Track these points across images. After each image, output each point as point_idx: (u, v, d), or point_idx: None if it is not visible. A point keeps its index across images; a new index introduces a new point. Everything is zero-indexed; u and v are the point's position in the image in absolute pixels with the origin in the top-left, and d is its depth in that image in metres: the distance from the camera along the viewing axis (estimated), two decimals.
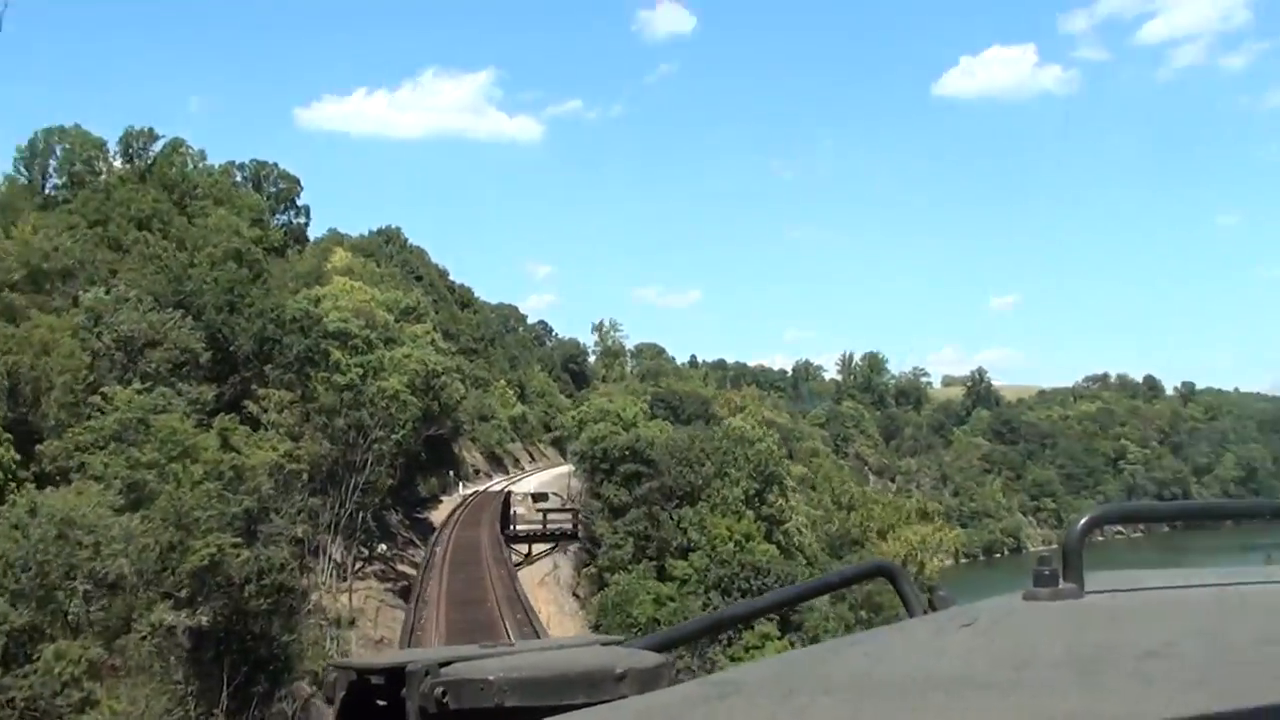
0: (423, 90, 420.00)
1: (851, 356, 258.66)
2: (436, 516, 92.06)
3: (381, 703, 2.18)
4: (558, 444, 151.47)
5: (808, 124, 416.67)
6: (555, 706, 2.00)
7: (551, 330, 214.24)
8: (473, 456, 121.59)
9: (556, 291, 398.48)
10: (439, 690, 2.03)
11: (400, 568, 77.08)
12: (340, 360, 71.75)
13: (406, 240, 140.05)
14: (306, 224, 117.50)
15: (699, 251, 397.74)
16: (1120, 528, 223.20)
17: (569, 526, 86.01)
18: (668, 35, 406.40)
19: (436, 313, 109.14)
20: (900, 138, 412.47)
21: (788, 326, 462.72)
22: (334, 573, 63.43)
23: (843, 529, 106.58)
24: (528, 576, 71.69)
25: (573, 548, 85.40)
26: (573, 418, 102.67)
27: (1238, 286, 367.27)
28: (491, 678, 2.05)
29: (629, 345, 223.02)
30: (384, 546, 77.52)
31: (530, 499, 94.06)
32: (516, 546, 78.78)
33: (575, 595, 78.97)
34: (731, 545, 73.38)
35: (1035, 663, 1.87)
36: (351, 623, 60.42)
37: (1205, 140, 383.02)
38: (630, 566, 75.70)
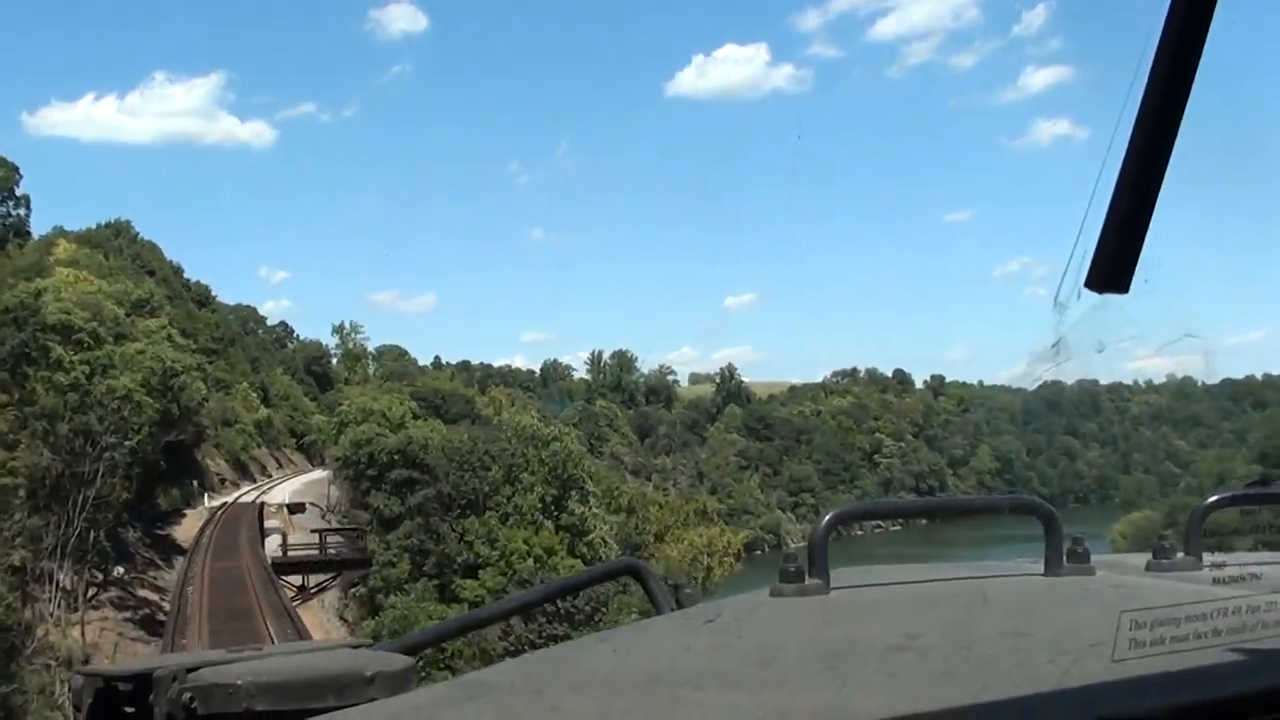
0: (152, 94, 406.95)
1: (601, 355, 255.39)
2: (181, 533, 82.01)
3: (129, 709, 2.12)
4: (304, 449, 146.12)
5: (544, 125, 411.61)
6: (305, 710, 1.98)
7: (293, 332, 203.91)
8: (217, 464, 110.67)
9: (294, 297, 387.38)
10: (186, 696, 1.99)
11: (141, 593, 68.57)
12: (63, 357, 65.03)
13: (138, 234, 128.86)
14: (27, 215, 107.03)
15: (436, 254, 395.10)
16: (880, 522, 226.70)
17: (356, 551, 73.70)
18: (400, 34, 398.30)
19: (172, 308, 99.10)
20: (635, 137, 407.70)
21: (525, 329, 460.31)
22: (63, 602, 56.02)
23: (622, 533, 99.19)
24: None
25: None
26: (331, 420, 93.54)
27: (972, 283, 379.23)
28: (239, 682, 2.00)
29: (370, 347, 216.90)
30: (121, 569, 68.04)
31: (286, 510, 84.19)
32: (288, 579, 67.14)
33: (343, 619, 70.27)
34: (531, 561, 64.95)
35: (781, 658, 2.01)
36: (86, 661, 51.48)
37: (936, 137, 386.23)
38: (407, 586, 67.61)
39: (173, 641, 43.56)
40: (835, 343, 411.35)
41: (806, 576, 2.44)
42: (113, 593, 65.24)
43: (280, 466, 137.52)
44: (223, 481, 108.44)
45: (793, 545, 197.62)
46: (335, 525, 79.23)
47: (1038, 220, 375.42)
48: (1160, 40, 1.63)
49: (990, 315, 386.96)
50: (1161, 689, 1.78)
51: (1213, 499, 2.99)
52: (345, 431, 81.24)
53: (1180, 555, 2.88)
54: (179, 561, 73.91)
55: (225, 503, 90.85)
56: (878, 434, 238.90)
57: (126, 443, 64.08)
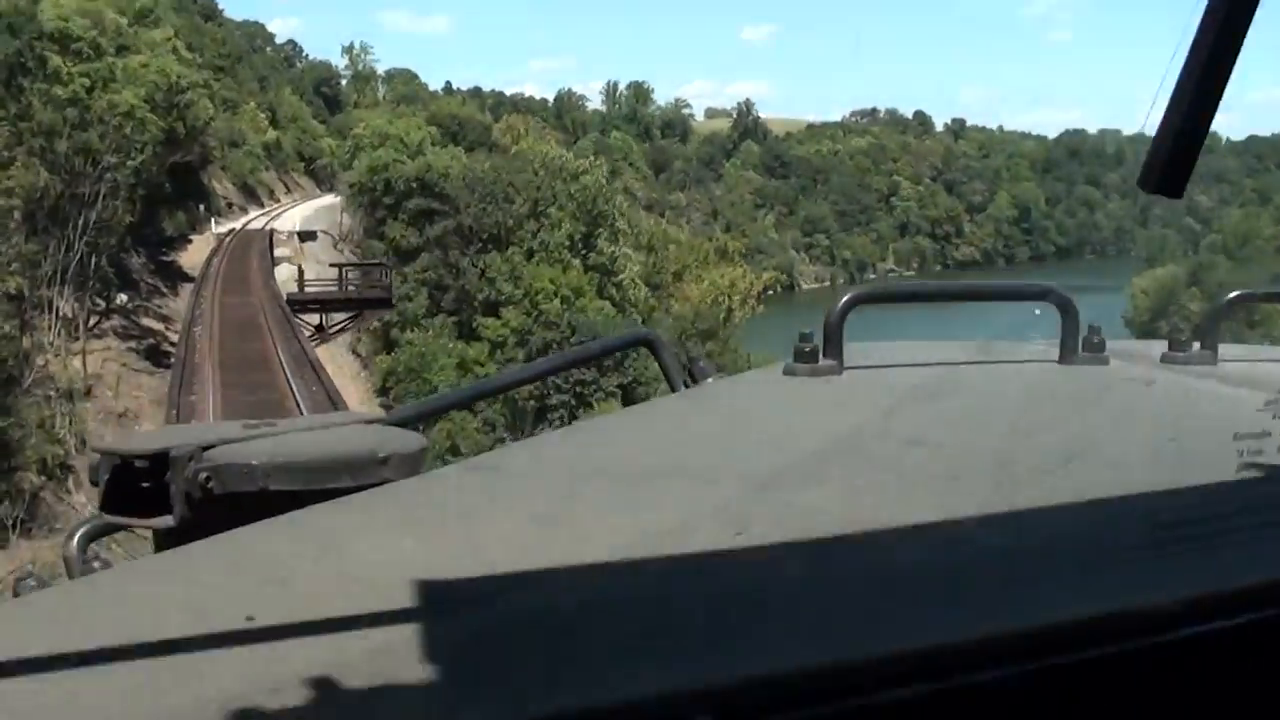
0: None
1: (616, 86, 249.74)
2: (187, 259, 78.23)
3: (146, 485, 2.14)
4: (313, 174, 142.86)
5: None
6: (319, 491, 2.04)
7: (302, 51, 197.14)
8: (224, 188, 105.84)
9: (302, 14, 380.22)
10: (203, 475, 2.05)
11: (145, 321, 65.84)
12: (61, 68, 60.37)
13: None
14: None
15: None
16: (894, 266, 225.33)
17: (379, 289, 65.84)
18: None
19: (177, 19, 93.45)
20: None
21: (537, 55, 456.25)
22: (63, 331, 53.82)
23: (644, 272, 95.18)
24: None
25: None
26: (344, 144, 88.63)
27: (999, 23, 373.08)
28: (255, 462, 2.05)
29: (380, 71, 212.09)
30: (124, 296, 65.33)
31: (297, 238, 79.92)
32: (305, 317, 61.33)
33: (355, 354, 66.88)
34: (558, 301, 60.69)
35: (788, 450, 2.05)
36: (87, 393, 51.14)
37: None
38: (424, 322, 64.02)
39: (178, 397, 39.01)
40: (854, 80, 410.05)
41: (821, 356, 2.50)
42: (115, 321, 62.77)
43: (289, 191, 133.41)
44: (230, 206, 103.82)
45: (805, 286, 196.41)
46: (353, 258, 74.53)
47: None
48: None
49: (1013, 57, 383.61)
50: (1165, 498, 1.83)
51: (1234, 295, 3.04)
52: (359, 157, 76.62)
53: (1196, 348, 2.90)
54: (185, 289, 70.36)
55: (233, 229, 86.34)
56: (895, 176, 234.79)
57: (129, 163, 60.51)
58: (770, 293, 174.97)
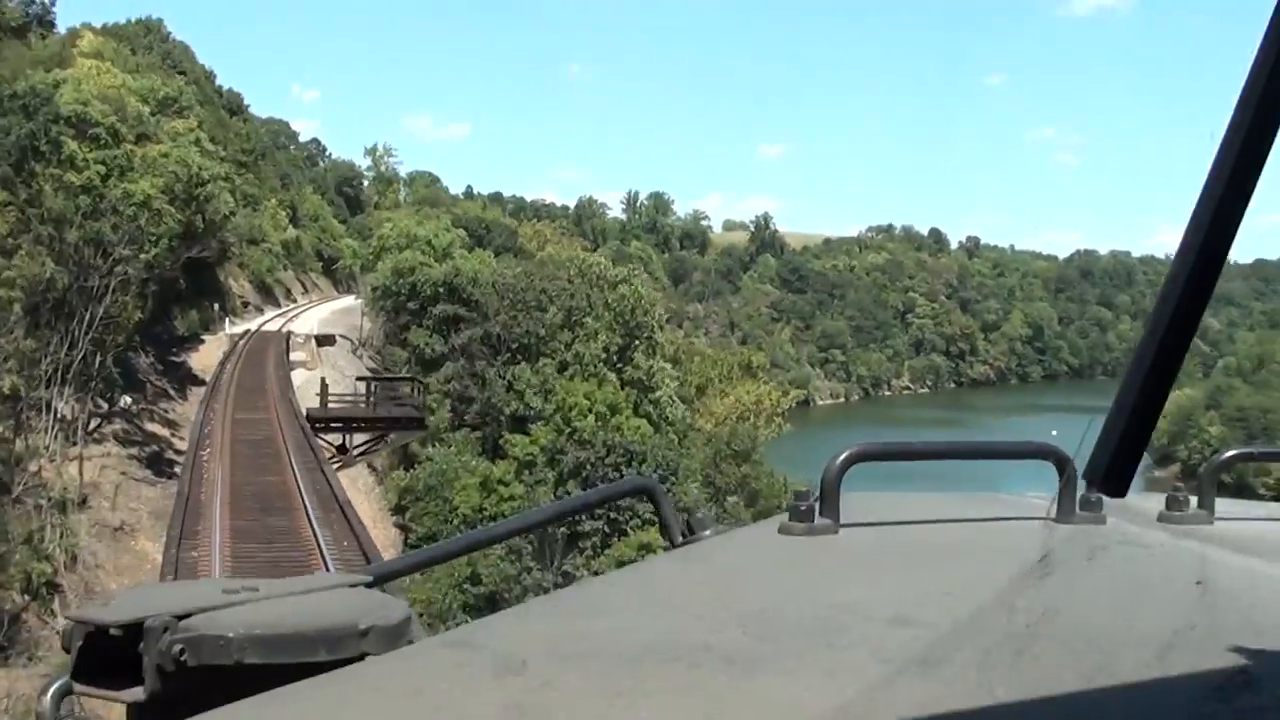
0: None
1: (637, 195, 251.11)
2: (198, 361, 73.52)
3: (119, 654, 2.03)
4: (331, 274, 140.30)
5: None
6: (296, 665, 1.95)
7: (325, 150, 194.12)
8: (240, 286, 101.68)
9: (325, 118, 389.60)
10: (177, 648, 1.95)
11: (150, 427, 61.25)
12: (76, 154, 57.15)
13: (169, 34, 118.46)
14: (52, 3, 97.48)
15: (472, 83, 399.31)
16: (909, 385, 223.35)
17: (412, 408, 59.38)
18: None
19: (202, 111, 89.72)
20: None
21: (557, 165, 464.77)
22: (60, 435, 49.94)
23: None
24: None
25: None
26: (368, 244, 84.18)
27: (1008, 147, 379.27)
28: (231, 635, 1.96)
29: (402, 173, 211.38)
30: (128, 399, 60.71)
31: (314, 342, 75.14)
32: (327, 437, 55.27)
33: (370, 467, 61.86)
34: (591, 418, 55.30)
35: (776, 627, 1.99)
36: (82, 503, 47.15)
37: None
38: (445, 436, 59.09)
39: (176, 554, 33.17)
40: (865, 198, 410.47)
41: (817, 516, 2.52)
42: (118, 425, 58.92)
43: (306, 291, 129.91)
44: (245, 305, 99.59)
45: (820, 402, 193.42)
46: (372, 365, 69.85)
47: (1073, 88, 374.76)
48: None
49: (1021, 180, 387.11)
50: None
51: (1230, 454, 3.08)
52: (383, 258, 72.07)
53: (1194, 507, 2.93)
54: (194, 393, 65.81)
55: (248, 330, 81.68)
56: (911, 293, 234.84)
57: (142, 256, 56.74)
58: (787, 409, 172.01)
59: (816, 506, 2.52)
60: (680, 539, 2.72)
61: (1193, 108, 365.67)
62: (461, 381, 60.91)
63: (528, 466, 54.36)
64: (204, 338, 78.94)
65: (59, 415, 49.74)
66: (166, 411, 64.52)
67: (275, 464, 42.46)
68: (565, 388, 56.03)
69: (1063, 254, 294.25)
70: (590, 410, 54.42)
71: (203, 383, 68.59)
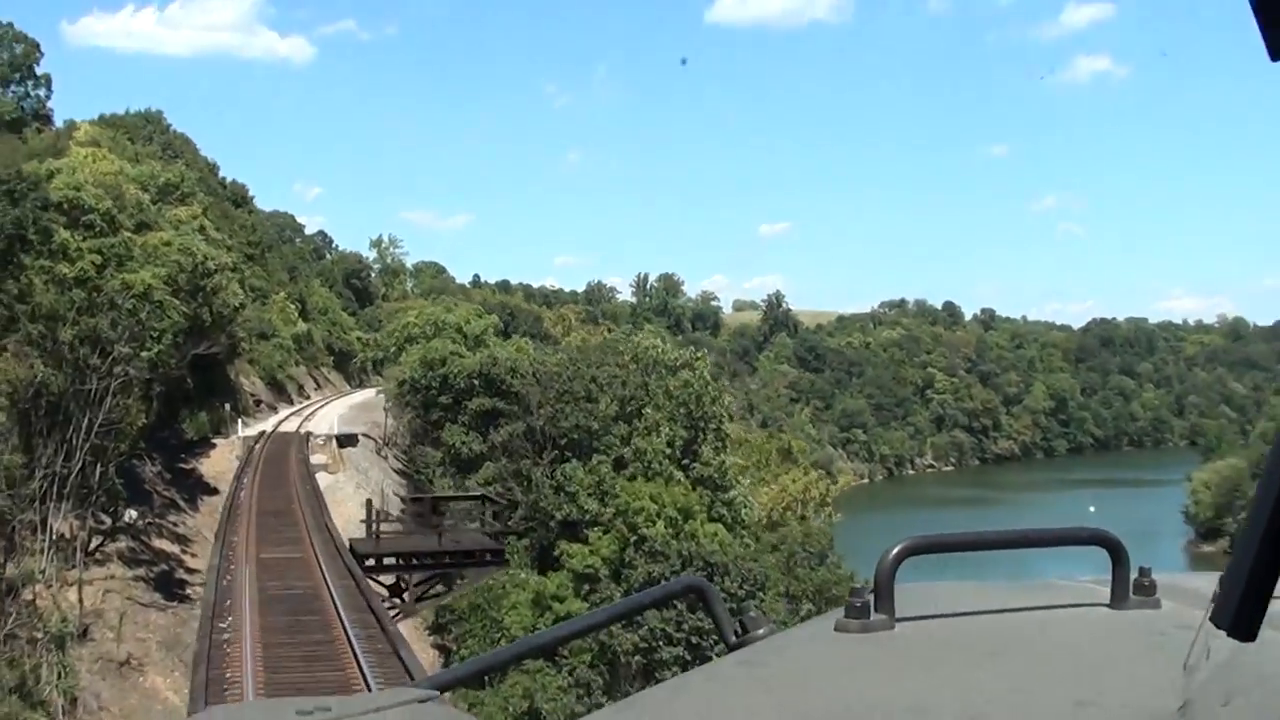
0: (193, 6, 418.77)
1: (646, 278, 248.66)
2: (209, 467, 66.77)
3: None
4: (341, 368, 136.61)
5: (582, 48, 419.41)
6: None
7: (332, 242, 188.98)
8: (252, 383, 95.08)
9: (328, 214, 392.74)
10: None
11: (158, 543, 54.59)
12: (69, 243, 51.49)
13: (170, 125, 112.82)
14: (48, 97, 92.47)
15: (472, 174, 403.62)
16: (933, 463, 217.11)
17: (487, 535, 49.69)
18: None
19: (206, 197, 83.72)
20: (672, 63, 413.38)
21: (559, 252, 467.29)
22: (57, 557, 44.15)
23: None
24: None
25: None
26: (381, 334, 77.40)
27: (1013, 218, 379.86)
28: None
29: (407, 264, 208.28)
30: (133, 513, 53.46)
31: (334, 443, 68.06)
32: (381, 578, 46.13)
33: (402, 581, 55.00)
34: (661, 525, 47.82)
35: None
36: (83, 634, 41.53)
37: (975, 71, 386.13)
38: None
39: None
40: (872, 272, 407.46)
41: (872, 612, 2.46)
42: (122, 543, 51.62)
43: (319, 387, 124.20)
44: (258, 404, 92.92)
45: (840, 482, 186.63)
46: (399, 464, 62.36)
47: (1075, 157, 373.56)
48: None
49: (1027, 249, 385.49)
50: None
51: None
52: (407, 348, 65.14)
53: None
54: (205, 503, 59.08)
55: (263, 431, 74.98)
56: (929, 368, 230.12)
57: (144, 353, 51.27)
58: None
59: (871, 601, 2.44)
60: (734, 639, 2.62)
61: (1195, 169, 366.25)
62: (504, 483, 53.89)
63: (587, 580, 46.83)
64: (215, 441, 71.98)
65: (55, 534, 43.92)
66: (176, 525, 58.01)
67: (324, 637, 30.81)
68: (627, 489, 48.52)
69: (1075, 323, 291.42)
70: (659, 515, 46.84)
71: (215, 490, 62.18)
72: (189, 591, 50.73)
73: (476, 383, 58.15)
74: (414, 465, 62.61)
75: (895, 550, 2.42)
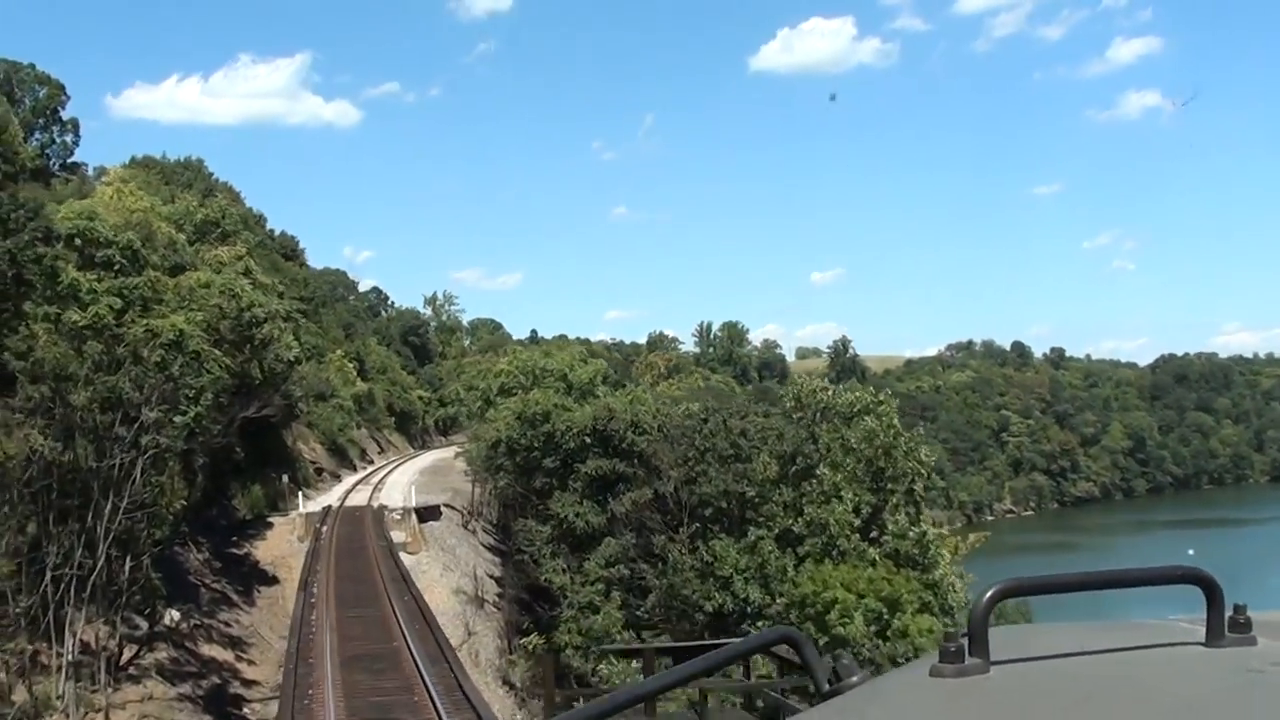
0: (236, 75, 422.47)
1: (709, 326, 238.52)
2: (266, 551, 54.67)
3: None
4: (403, 429, 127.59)
5: (628, 102, 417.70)
6: None
7: (387, 299, 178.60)
8: (312, 449, 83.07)
9: (379, 277, 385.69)
10: None
11: (207, 650, 43.71)
12: (79, 283, 40.04)
13: (213, 175, 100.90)
14: (75, 142, 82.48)
15: (521, 233, 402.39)
16: (1012, 508, 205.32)
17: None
18: (485, 13, 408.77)
19: (252, 236, 72.61)
20: (719, 113, 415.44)
21: (609, 306, 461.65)
22: (74, 674, 34.11)
23: None
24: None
25: None
26: (475, 385, 65.51)
27: (1064, 255, 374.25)
28: None
29: (463, 320, 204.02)
30: (175, 614, 42.73)
31: (414, 517, 55.83)
32: None
33: (508, 684, 43.00)
34: (860, 619, 35.40)
35: None
36: None
37: (1023, 110, 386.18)
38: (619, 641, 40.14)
39: None
40: (926, 316, 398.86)
41: (967, 656, 2.39)
42: (163, 653, 41.12)
43: (381, 450, 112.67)
44: (319, 472, 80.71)
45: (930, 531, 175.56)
46: (492, 542, 50.06)
47: (1127, 193, 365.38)
48: None
49: (1082, 287, 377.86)
50: None
51: None
52: (499, 403, 53.30)
53: None
54: (262, 595, 47.71)
55: (328, 507, 62.74)
56: (1004, 410, 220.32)
57: (179, 418, 40.24)
58: None
59: (966, 645, 2.37)
60: (827, 686, 2.54)
61: (1246, 201, 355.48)
62: (631, 564, 42.11)
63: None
64: (271, 519, 59.88)
65: (80, 643, 34.87)
66: (229, 625, 47.13)
67: None
68: (814, 575, 36.06)
69: (1135, 359, 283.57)
70: (857, 607, 34.27)
71: (273, 580, 50.64)
72: (246, 711, 40.68)
73: (588, 440, 46.41)
74: (511, 541, 51.09)
75: (989, 594, 2.35)
